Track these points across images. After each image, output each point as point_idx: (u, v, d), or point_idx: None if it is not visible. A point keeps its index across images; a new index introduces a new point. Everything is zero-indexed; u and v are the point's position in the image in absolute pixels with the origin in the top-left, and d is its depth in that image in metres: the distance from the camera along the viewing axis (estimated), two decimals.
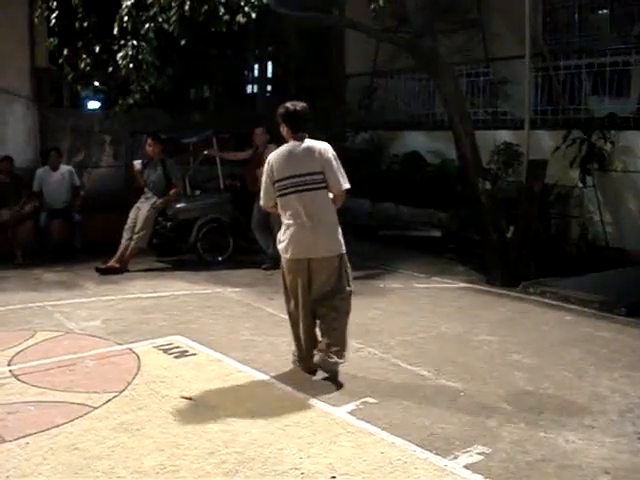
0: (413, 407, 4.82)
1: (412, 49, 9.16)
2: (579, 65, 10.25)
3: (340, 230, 5.39)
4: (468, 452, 4.14)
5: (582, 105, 10.20)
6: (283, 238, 5.36)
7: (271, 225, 9.26)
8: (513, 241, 8.60)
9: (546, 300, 7.80)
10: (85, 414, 4.67)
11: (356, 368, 5.54)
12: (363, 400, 4.92)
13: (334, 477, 3.85)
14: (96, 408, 4.76)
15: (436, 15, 9.63)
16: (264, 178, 5.41)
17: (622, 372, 5.55)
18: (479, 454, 4.11)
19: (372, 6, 7.96)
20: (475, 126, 9.49)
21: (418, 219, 11.11)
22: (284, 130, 5.40)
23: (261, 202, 5.54)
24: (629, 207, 9.37)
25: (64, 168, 10.42)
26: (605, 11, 11.45)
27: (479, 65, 11.64)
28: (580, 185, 9.56)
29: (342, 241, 5.37)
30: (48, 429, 4.42)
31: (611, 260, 9.06)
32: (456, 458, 4.07)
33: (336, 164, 5.30)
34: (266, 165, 5.40)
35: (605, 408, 4.84)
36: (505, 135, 10.39)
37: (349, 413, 4.70)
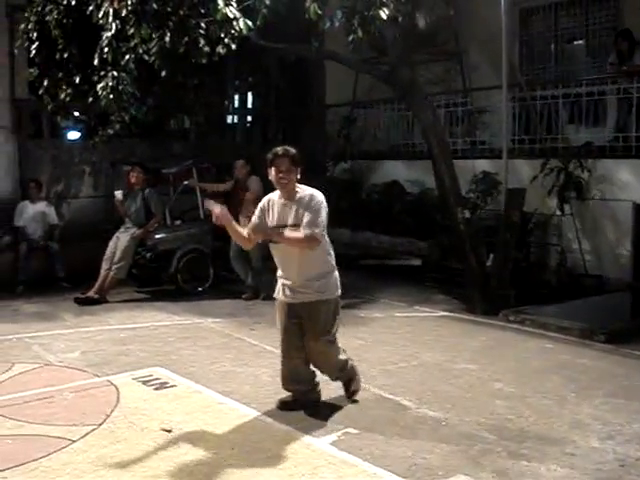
0: (395, 437, 4.80)
1: (390, 80, 9.25)
2: (556, 95, 10.39)
3: None
4: None
5: (559, 134, 10.32)
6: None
7: (250, 255, 9.26)
8: (493, 269, 8.65)
9: (526, 328, 7.82)
10: (63, 447, 4.60)
11: (337, 399, 5.51)
12: (345, 431, 4.89)
13: None
14: (75, 441, 4.69)
15: (414, 46, 9.74)
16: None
17: (602, 399, 5.56)
18: None
19: (351, 37, 8.02)
20: (454, 155, 9.57)
21: (398, 248, 11.14)
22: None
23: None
24: (607, 234, 9.45)
25: (42, 203, 10.34)
26: (581, 41, 11.64)
27: (457, 95, 11.77)
28: (558, 213, 9.64)
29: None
30: (25, 463, 4.34)
31: (590, 287, 9.12)
32: None
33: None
34: None
35: (586, 435, 4.84)
36: (484, 164, 10.47)
37: (331, 444, 4.67)
